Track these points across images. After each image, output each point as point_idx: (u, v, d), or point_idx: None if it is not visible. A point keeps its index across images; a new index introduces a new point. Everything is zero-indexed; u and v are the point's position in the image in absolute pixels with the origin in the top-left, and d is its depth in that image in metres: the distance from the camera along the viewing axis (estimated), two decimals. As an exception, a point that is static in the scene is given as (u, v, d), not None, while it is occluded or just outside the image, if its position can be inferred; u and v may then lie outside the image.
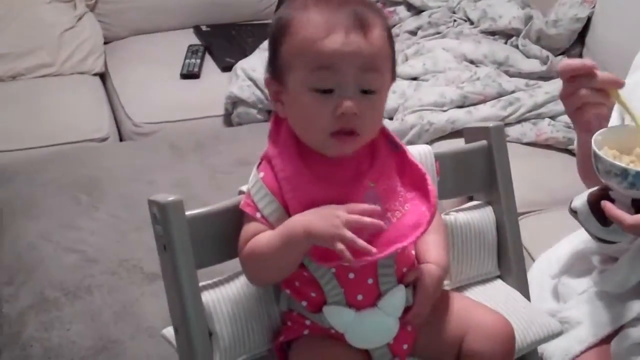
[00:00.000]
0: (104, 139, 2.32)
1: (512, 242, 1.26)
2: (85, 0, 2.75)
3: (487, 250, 1.25)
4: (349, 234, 0.94)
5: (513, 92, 2.13)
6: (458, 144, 1.30)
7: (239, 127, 2.37)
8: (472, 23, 2.49)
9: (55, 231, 1.82)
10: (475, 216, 1.24)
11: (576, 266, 1.45)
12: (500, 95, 2.13)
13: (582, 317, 1.33)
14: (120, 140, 2.40)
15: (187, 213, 1.04)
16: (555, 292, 1.45)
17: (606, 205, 1.11)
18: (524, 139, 2.08)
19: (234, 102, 2.38)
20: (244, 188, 1.08)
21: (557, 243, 1.53)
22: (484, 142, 1.24)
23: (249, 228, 1.02)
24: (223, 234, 1.07)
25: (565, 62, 1.19)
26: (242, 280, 1.09)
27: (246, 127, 2.33)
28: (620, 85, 1.14)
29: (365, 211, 0.97)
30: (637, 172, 1.04)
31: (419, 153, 1.17)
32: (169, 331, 1.16)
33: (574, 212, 1.20)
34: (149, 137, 2.33)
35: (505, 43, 2.41)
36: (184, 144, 2.17)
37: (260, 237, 1.01)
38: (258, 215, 1.02)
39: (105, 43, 2.75)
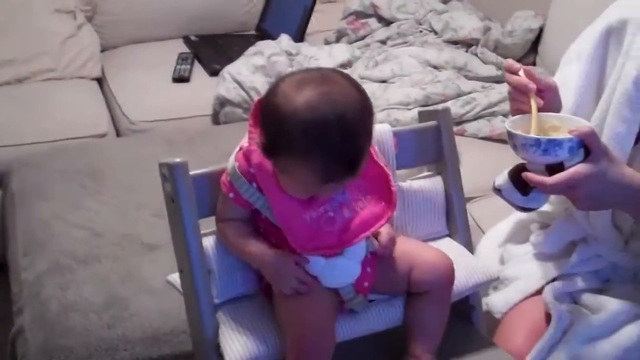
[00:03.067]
0: (102, 135, 2.51)
1: (458, 206, 1.46)
2: (84, 12, 2.93)
3: (437, 213, 1.45)
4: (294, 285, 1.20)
5: (470, 92, 2.34)
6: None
7: (226, 125, 2.54)
8: (436, 33, 2.71)
9: (65, 211, 2.00)
10: (427, 184, 1.44)
11: (518, 235, 1.64)
12: (458, 95, 2.34)
13: (520, 274, 1.53)
14: (118, 137, 2.58)
15: (191, 172, 1.25)
16: (501, 259, 1.64)
17: (527, 174, 1.27)
18: (480, 134, 2.30)
19: (222, 103, 2.55)
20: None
21: (504, 220, 1.75)
22: (434, 122, 1.44)
23: (225, 204, 1.23)
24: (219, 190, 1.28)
25: (507, 61, 1.37)
26: (235, 229, 1.32)
27: (232, 125, 2.51)
28: (530, 90, 1.31)
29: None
30: (548, 139, 1.23)
31: (380, 131, 1.36)
32: (173, 277, 1.38)
33: (497, 190, 1.38)
34: (144, 134, 2.52)
35: (466, 51, 2.63)
36: (176, 139, 2.34)
37: (231, 232, 1.23)
38: (231, 195, 1.21)
39: (102, 51, 2.94)
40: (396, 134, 1.40)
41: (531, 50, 2.62)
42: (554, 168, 1.25)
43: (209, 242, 1.28)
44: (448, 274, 1.30)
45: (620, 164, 1.26)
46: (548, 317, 1.45)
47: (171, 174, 1.25)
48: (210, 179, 1.28)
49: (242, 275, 1.30)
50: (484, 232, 1.82)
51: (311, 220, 1.21)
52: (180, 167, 1.25)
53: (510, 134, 1.28)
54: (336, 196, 1.22)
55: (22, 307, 1.74)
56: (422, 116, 1.50)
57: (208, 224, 1.29)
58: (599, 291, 1.46)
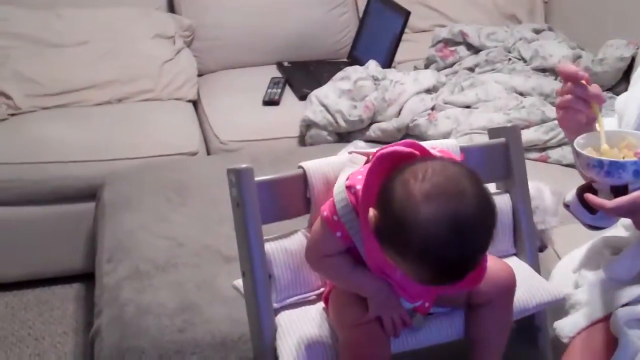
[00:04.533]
0: (193, 154, 2.58)
1: (526, 225, 1.46)
2: (183, 37, 3.05)
3: (504, 231, 1.46)
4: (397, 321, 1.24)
5: (554, 119, 2.31)
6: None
7: (311, 147, 2.58)
8: (525, 61, 2.69)
9: (150, 222, 2.08)
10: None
11: (592, 260, 1.61)
12: (543, 121, 2.31)
13: (591, 299, 1.49)
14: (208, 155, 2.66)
15: (256, 179, 1.30)
16: (575, 284, 1.61)
17: (588, 196, 1.26)
18: (564, 161, 2.26)
19: (308, 125, 2.59)
20: (304, 164, 1.35)
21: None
22: (502, 139, 1.45)
23: (328, 241, 1.22)
24: (284, 197, 1.32)
25: (564, 65, 1.35)
26: (298, 237, 1.34)
27: (317, 147, 2.55)
28: (601, 101, 1.30)
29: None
30: (611, 161, 1.21)
31: (447, 146, 1.38)
32: (238, 282, 1.43)
33: (566, 206, 1.36)
34: (233, 153, 2.59)
35: (555, 79, 2.60)
36: (262, 158, 2.38)
37: (341, 265, 1.24)
38: (338, 234, 1.21)
39: (198, 75, 3.03)
40: (463, 150, 1.41)
41: (623, 79, 2.57)
42: (619, 189, 1.24)
43: (270, 247, 1.32)
44: (509, 284, 1.30)
45: None
46: (616, 343, 1.41)
47: (237, 179, 1.30)
48: (273, 185, 1.32)
49: (302, 281, 1.34)
50: (560, 258, 1.79)
51: (401, 276, 1.21)
52: (246, 172, 1.30)
53: (576, 152, 1.27)
54: None
55: (101, 310, 1.82)
56: (492, 133, 1.50)
57: (271, 230, 1.33)
58: (672, 319, 1.41)
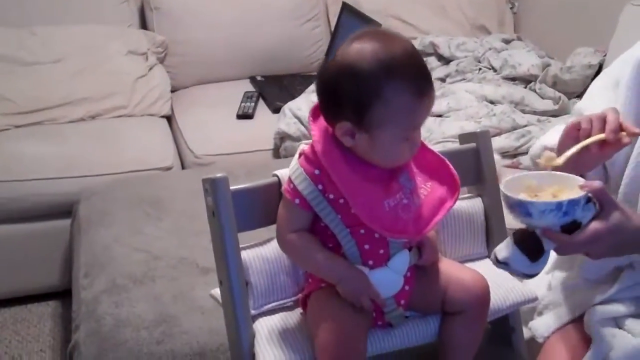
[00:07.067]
0: (168, 168, 2.60)
1: (497, 227, 1.47)
2: (155, 54, 3.07)
3: (477, 234, 1.47)
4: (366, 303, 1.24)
5: (525, 126, 2.35)
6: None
7: (286, 159, 2.61)
8: (495, 70, 2.74)
9: (126, 236, 2.09)
10: (467, 205, 1.46)
11: (565, 262, 1.65)
12: (514, 128, 2.35)
13: (564, 299, 1.52)
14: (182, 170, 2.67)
15: (231, 187, 1.31)
16: (549, 285, 1.65)
17: (552, 235, 1.21)
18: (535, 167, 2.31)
19: (282, 137, 2.62)
20: (278, 172, 1.36)
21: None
22: (473, 144, 1.47)
23: (290, 213, 1.25)
24: (259, 205, 1.33)
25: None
26: (274, 244, 1.33)
27: (291, 159, 2.59)
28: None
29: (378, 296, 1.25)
30: (569, 200, 1.16)
31: (419, 151, 1.43)
32: (216, 291, 1.43)
33: (503, 264, 1.25)
34: (207, 167, 2.61)
35: (525, 87, 2.66)
36: (237, 171, 2.37)
37: (304, 242, 1.24)
38: (297, 201, 1.24)
39: (172, 91, 3.06)
40: (435, 155, 1.43)
41: (591, 85, 2.61)
42: (569, 227, 1.22)
43: (247, 255, 1.33)
44: (483, 296, 1.30)
45: (632, 213, 1.25)
46: (590, 341, 1.44)
47: (212, 188, 1.31)
48: (248, 193, 1.33)
49: (279, 287, 1.34)
50: (533, 261, 1.81)
51: (389, 208, 1.23)
52: (221, 181, 1.31)
53: (521, 202, 1.18)
54: (406, 183, 1.25)
55: (79, 324, 1.82)
56: (462, 139, 1.52)
57: (247, 238, 1.35)
58: (645, 316, 1.44)
